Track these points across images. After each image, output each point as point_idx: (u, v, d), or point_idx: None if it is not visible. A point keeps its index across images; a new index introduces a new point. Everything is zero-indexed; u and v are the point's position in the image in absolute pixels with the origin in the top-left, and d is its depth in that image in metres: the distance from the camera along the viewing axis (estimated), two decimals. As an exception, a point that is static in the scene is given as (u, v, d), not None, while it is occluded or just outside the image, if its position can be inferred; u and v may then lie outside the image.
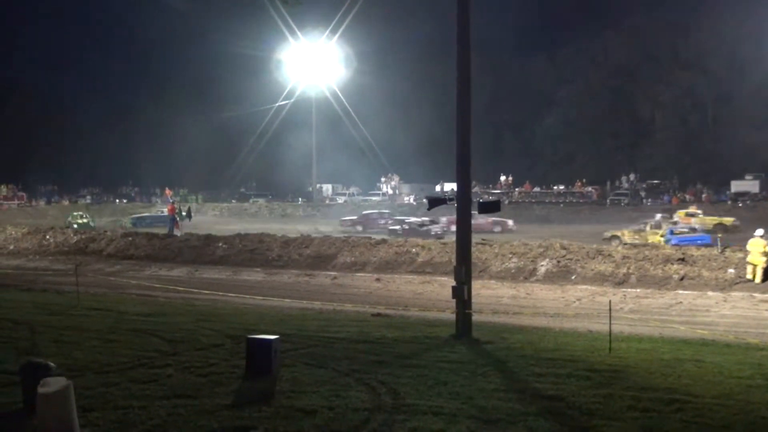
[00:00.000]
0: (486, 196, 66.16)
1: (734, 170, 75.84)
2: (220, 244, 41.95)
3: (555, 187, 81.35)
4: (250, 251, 40.34)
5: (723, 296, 27.53)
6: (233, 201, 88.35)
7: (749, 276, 28.52)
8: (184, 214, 55.06)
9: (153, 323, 20.88)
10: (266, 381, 13.85)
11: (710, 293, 28.07)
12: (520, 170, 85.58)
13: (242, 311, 25.13)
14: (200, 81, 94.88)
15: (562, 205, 72.52)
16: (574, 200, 75.51)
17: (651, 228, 44.63)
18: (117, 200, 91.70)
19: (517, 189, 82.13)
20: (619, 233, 44.49)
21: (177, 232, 49.80)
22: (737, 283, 28.64)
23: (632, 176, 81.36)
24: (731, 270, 29.31)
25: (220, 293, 29.16)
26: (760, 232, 29.96)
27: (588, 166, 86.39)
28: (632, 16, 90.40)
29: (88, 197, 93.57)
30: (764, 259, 28.24)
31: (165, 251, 42.42)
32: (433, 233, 48.46)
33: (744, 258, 29.07)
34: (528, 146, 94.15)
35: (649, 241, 40.41)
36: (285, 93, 78.71)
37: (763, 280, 28.14)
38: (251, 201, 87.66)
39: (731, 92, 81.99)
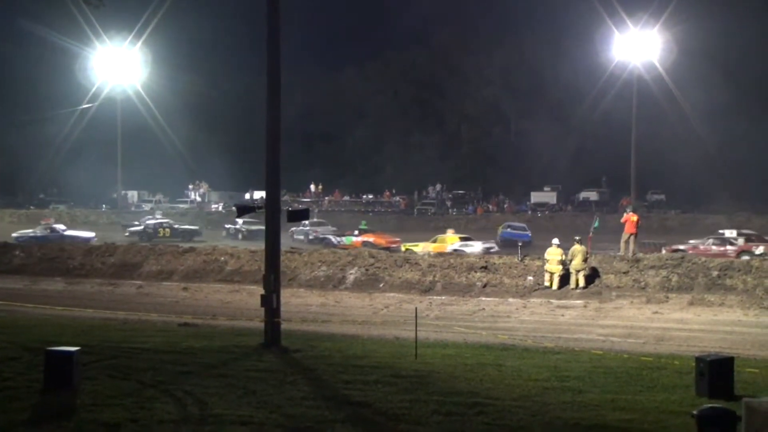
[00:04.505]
0: (296, 205, 66.28)
1: (534, 182, 79.11)
2: (17, 252, 40.12)
3: (364, 197, 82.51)
4: (50, 260, 38.75)
5: (523, 302, 28.63)
6: (31, 207, 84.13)
7: (547, 283, 29.84)
8: None
9: (-59, 336, 19.71)
10: (67, 395, 13.36)
11: (511, 300, 29.17)
12: (330, 179, 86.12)
13: (41, 322, 24.10)
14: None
15: (371, 213, 73.45)
16: (383, 209, 76.83)
17: None
18: None
19: (326, 197, 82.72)
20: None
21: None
22: (536, 290, 29.89)
23: (439, 187, 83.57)
24: (530, 278, 30.57)
25: (17, 304, 27.78)
26: (556, 241, 31.42)
27: (397, 176, 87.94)
28: (438, 32, 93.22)
29: None
30: (560, 267, 29.63)
31: (-46, 259, 40.09)
32: None
33: (542, 266, 30.39)
34: (339, 156, 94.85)
35: None
36: (89, 96, 75.87)
37: (560, 287, 29.53)
38: (51, 207, 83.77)
39: (532, 107, 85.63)
